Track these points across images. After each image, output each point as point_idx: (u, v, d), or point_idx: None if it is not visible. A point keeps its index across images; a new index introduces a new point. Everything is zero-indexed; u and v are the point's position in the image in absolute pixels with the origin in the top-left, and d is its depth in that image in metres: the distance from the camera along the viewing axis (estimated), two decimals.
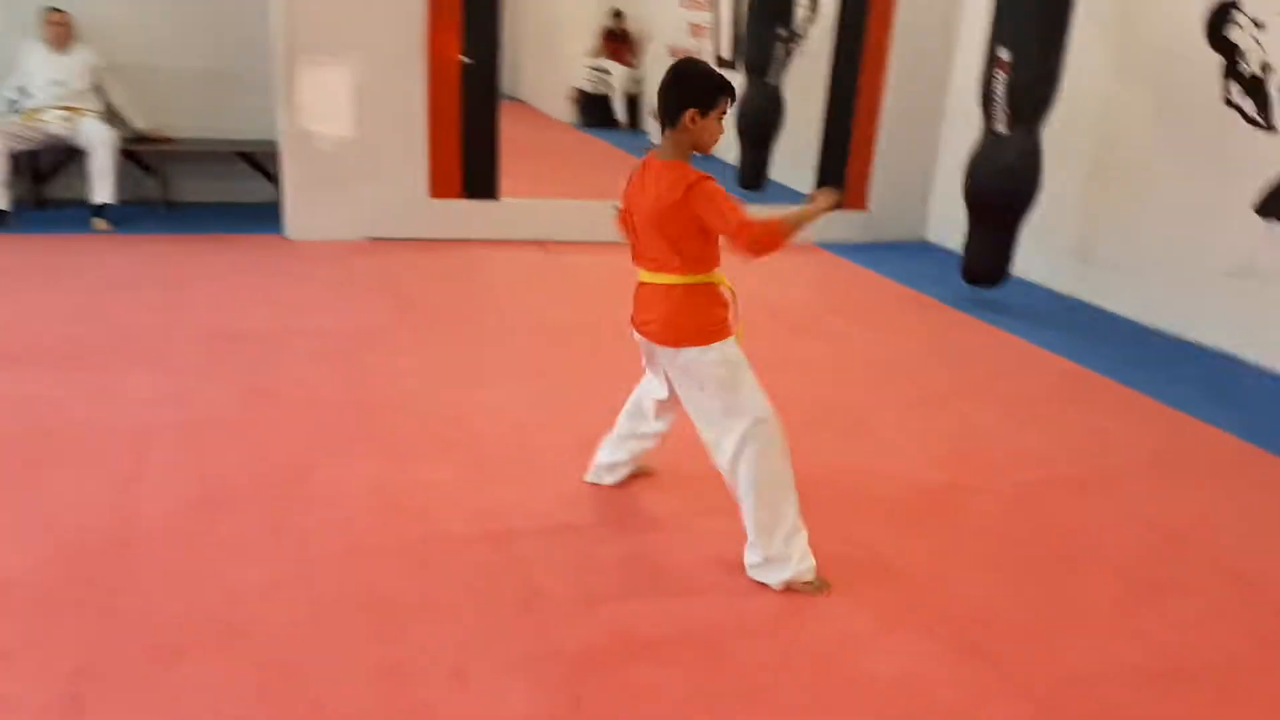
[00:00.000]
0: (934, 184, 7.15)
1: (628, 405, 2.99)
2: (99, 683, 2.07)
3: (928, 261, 6.59)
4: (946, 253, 6.72)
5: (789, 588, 2.59)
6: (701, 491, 3.01)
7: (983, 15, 5.39)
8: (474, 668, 2.21)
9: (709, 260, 2.56)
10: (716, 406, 2.58)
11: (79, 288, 4.67)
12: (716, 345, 2.56)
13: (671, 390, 2.72)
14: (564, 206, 6.34)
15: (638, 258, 2.65)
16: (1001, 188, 5.36)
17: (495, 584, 2.55)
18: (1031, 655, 2.44)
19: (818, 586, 2.61)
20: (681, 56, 2.72)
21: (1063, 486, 3.40)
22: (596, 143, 10.66)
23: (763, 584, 2.60)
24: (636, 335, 2.72)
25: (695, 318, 2.56)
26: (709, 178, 2.45)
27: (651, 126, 10.59)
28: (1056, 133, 5.40)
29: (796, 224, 2.47)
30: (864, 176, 7.03)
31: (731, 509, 2.68)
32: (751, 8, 7.96)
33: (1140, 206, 5.53)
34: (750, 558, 2.63)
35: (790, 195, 7.61)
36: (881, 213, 7.09)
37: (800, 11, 7.93)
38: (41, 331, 4.05)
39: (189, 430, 3.28)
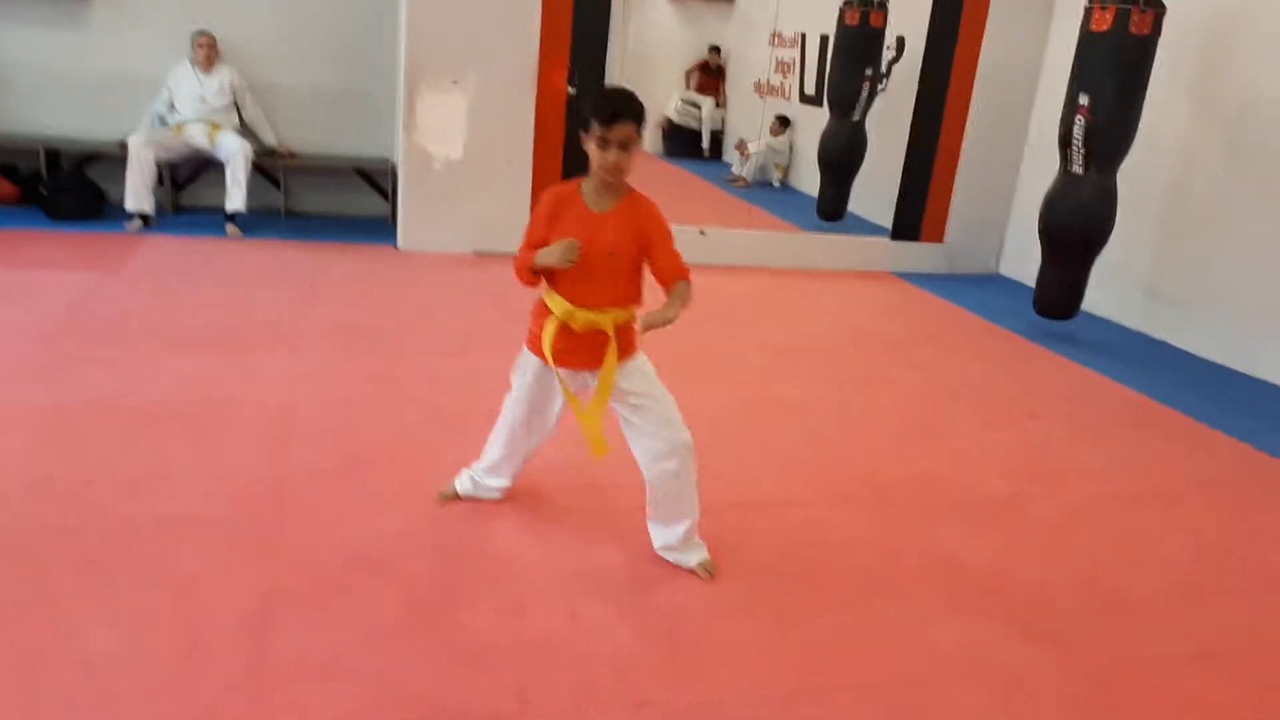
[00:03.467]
0: (1010, 220, 7.38)
1: None
2: (282, 602, 2.46)
3: (1002, 294, 6.82)
4: (1019, 285, 6.95)
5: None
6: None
7: (1064, 61, 5.65)
8: (584, 608, 2.56)
9: (550, 278, 2.65)
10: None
11: (218, 285, 5.17)
12: (523, 350, 2.79)
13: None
14: None
15: None
16: (1076, 226, 5.60)
17: (594, 533, 2.90)
18: (1084, 639, 2.70)
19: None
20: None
21: (1120, 500, 3.65)
22: (681, 172, 11.08)
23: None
24: None
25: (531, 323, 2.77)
26: (541, 198, 2.67)
27: (732, 157, 11.01)
28: (1132, 174, 5.63)
29: (519, 267, 2.63)
30: (943, 211, 7.30)
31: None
32: (838, 48, 8.31)
33: (1211, 247, 5.72)
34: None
35: (868, 227, 7.91)
36: (958, 246, 7.35)
37: (886, 54, 8.27)
38: (195, 321, 4.54)
39: (327, 405, 3.71)
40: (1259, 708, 2.49)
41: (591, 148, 2.49)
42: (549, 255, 2.52)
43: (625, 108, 2.46)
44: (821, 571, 2.91)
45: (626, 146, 2.45)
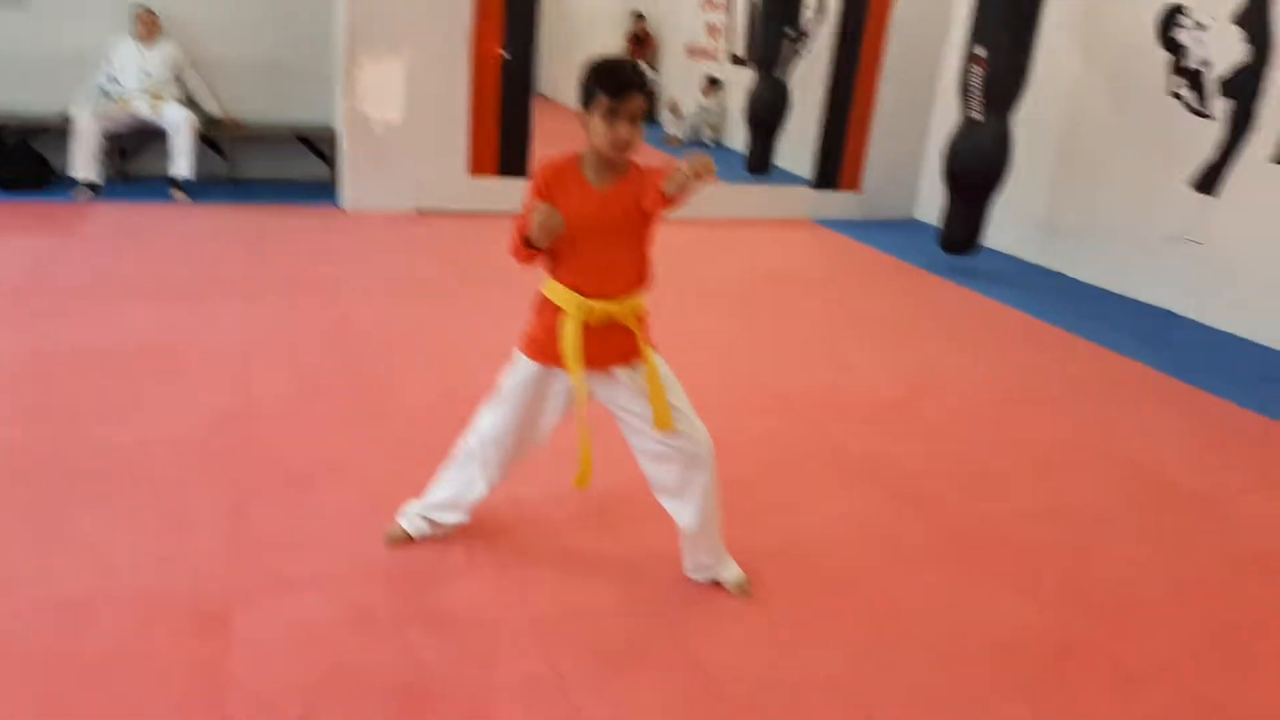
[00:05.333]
0: (923, 167, 7.86)
1: None
2: (255, 497, 2.83)
3: (915, 235, 7.31)
4: (932, 228, 7.43)
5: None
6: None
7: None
8: (526, 497, 2.96)
9: (552, 268, 2.39)
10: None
11: (171, 245, 5.45)
12: (517, 354, 2.47)
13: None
14: None
15: None
16: (975, 167, 6.08)
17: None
18: (951, 506, 3.18)
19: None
20: (611, 56, 2.35)
21: (997, 402, 4.14)
22: None
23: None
24: None
25: (527, 322, 2.47)
26: (535, 173, 2.36)
27: (667, 118, 11.38)
28: (1028, 118, 6.12)
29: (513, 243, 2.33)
30: (859, 160, 7.76)
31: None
32: (761, 9, 8.69)
33: (1098, 183, 6.24)
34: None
35: (795, 181, 8.34)
36: (874, 193, 7.83)
37: (807, 13, 8.67)
38: (153, 277, 4.83)
39: (283, 346, 4.05)
40: (1081, 550, 2.98)
41: (596, 123, 2.25)
42: (532, 227, 2.24)
43: (633, 78, 2.25)
44: (729, 464, 3.34)
45: (636, 119, 2.25)
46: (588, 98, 2.27)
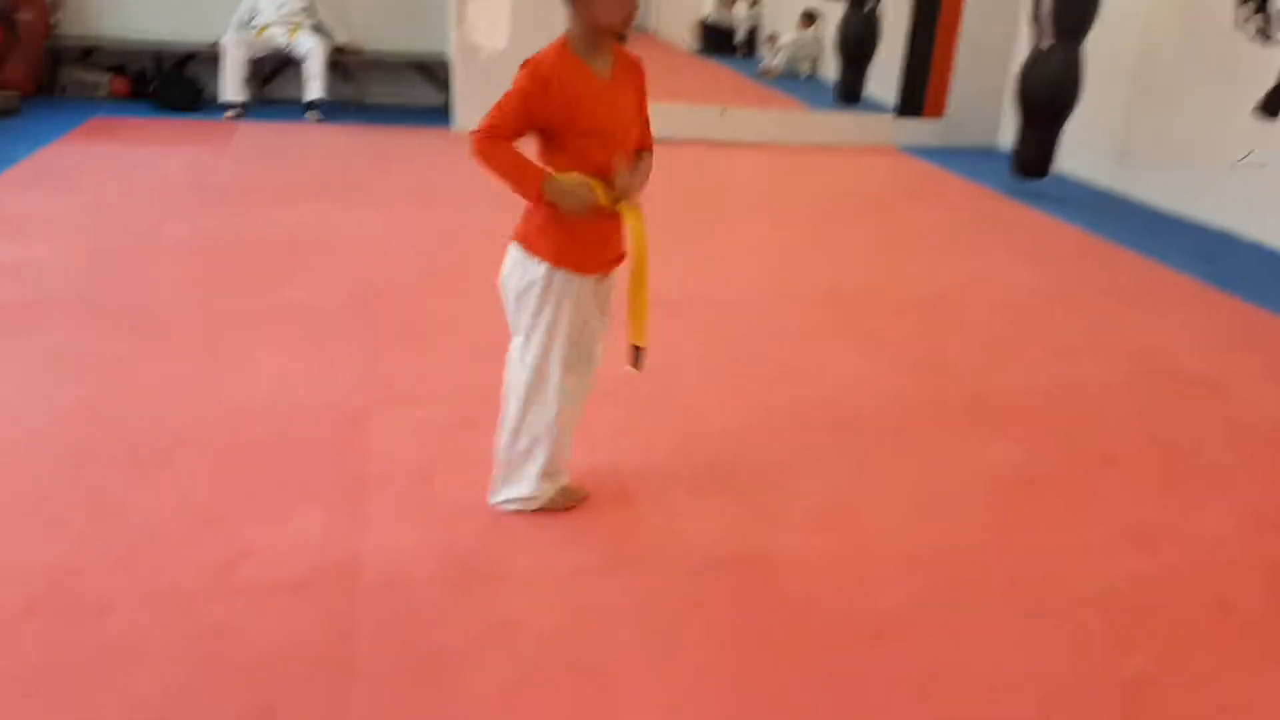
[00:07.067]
0: (1006, 96, 8.07)
1: None
2: (389, 345, 3.53)
3: (994, 162, 7.59)
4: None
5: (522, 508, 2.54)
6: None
7: None
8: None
9: (561, 161, 2.24)
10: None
11: (307, 158, 6.21)
12: (539, 268, 2.27)
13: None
14: (676, 110, 7.58)
15: None
16: (1045, 93, 6.34)
17: None
18: (964, 375, 3.66)
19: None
20: None
21: (1032, 299, 4.56)
22: (716, 67, 11.82)
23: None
24: None
25: (533, 214, 2.30)
26: (524, 65, 2.19)
27: (765, 51, 11.69)
28: (1100, 47, 6.34)
29: (515, 177, 2.20)
30: (943, 88, 8.04)
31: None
32: None
33: (1171, 111, 6.44)
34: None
35: (882, 108, 8.65)
36: (958, 121, 8.10)
37: None
38: (294, 182, 5.60)
39: (407, 239, 4.75)
40: (1075, 411, 3.43)
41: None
42: (567, 198, 2.17)
43: None
44: (775, 341, 3.89)
45: None
46: None
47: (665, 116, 8.00)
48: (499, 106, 2.18)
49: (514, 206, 2.36)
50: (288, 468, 2.69)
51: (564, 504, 2.56)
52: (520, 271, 2.30)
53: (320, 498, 2.55)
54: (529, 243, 2.29)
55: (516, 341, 2.38)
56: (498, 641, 2.08)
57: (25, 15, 6.94)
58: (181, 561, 2.26)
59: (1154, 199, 6.57)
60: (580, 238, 2.27)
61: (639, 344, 2.40)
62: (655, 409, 3.20)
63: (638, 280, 2.33)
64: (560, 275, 2.27)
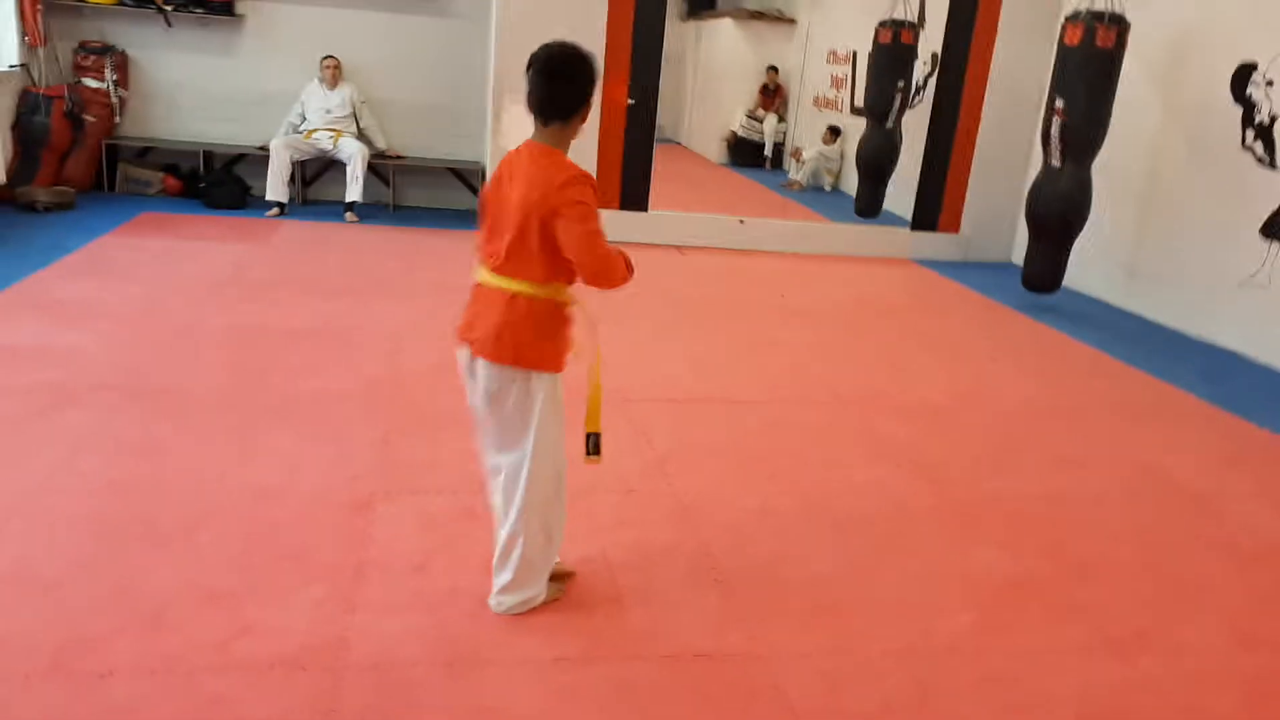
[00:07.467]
0: (1020, 213, 8.28)
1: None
2: (399, 434, 3.69)
3: (1007, 277, 7.75)
4: None
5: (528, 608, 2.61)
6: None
7: None
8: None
9: (566, 273, 2.38)
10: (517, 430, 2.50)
11: (343, 255, 6.51)
12: (552, 376, 2.44)
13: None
14: (699, 219, 7.87)
15: (486, 254, 2.50)
16: (1055, 210, 6.54)
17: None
18: (962, 481, 3.74)
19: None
20: (559, 44, 2.49)
21: (1035, 414, 4.65)
22: (743, 179, 12.22)
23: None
24: (460, 351, 2.61)
25: (539, 337, 2.43)
26: (585, 180, 2.28)
27: (790, 165, 12.09)
28: (1111, 168, 6.55)
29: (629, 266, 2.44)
30: (958, 204, 8.27)
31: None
32: (873, 63, 9.34)
33: (1177, 229, 6.60)
34: (500, 581, 2.56)
35: (901, 222, 8.91)
36: (973, 236, 8.31)
37: (922, 68, 9.27)
38: (327, 278, 5.87)
39: (428, 332, 4.95)
40: (1066, 521, 3.49)
41: (588, 115, 2.38)
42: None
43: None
44: (779, 440, 4.01)
45: None
46: (589, 91, 2.33)
47: (690, 224, 8.32)
48: (593, 217, 2.30)
49: None
50: (295, 550, 2.82)
51: (557, 595, 2.69)
52: (522, 389, 2.46)
53: (321, 580, 2.68)
54: (543, 364, 2.45)
55: (520, 454, 2.49)
56: None
57: (90, 116, 7.43)
58: (186, 634, 2.39)
59: (1162, 317, 6.67)
60: (566, 339, 2.50)
61: (595, 430, 2.55)
62: (654, 502, 3.32)
63: (595, 373, 2.51)
64: (559, 376, 2.50)
